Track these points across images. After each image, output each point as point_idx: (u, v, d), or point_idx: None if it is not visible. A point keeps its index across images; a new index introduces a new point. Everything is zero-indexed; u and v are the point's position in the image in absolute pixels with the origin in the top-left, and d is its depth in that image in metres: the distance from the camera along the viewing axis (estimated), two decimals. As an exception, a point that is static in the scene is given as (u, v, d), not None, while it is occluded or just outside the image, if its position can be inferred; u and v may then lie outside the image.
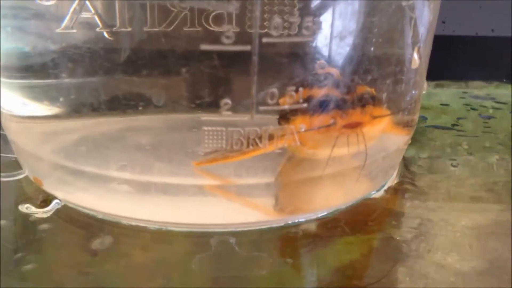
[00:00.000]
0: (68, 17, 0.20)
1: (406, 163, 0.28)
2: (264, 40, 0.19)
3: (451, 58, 0.40)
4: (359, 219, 0.23)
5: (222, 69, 0.19)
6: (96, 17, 0.19)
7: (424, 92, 0.27)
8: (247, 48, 0.19)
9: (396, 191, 0.25)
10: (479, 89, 0.40)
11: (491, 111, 0.36)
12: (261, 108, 0.20)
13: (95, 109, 0.21)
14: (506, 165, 0.28)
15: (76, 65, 0.20)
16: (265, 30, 0.19)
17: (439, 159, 0.29)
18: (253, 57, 0.19)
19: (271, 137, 0.20)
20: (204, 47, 0.19)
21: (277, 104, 0.20)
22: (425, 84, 0.27)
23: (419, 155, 0.29)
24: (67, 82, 0.21)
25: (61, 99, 0.21)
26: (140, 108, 0.20)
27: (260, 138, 0.20)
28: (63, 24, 0.20)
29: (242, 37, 0.19)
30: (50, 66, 0.21)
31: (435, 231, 0.22)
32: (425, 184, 0.26)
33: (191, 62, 0.19)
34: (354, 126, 0.21)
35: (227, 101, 0.19)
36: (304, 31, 0.19)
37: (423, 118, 0.34)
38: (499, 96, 0.39)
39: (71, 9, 0.19)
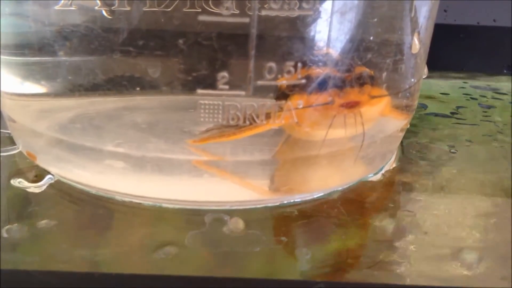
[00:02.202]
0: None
1: (404, 149, 0.27)
2: (263, 12, 0.18)
3: (452, 47, 0.39)
4: (356, 201, 0.23)
5: (220, 42, 0.19)
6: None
7: (424, 76, 0.27)
8: (246, 20, 0.18)
9: (394, 175, 0.25)
10: (479, 79, 0.40)
11: (490, 101, 0.36)
12: (259, 83, 0.19)
13: (92, 88, 0.21)
14: (505, 153, 0.28)
15: (73, 44, 0.20)
16: (265, 3, 0.18)
17: (438, 145, 0.28)
18: (251, 30, 0.19)
19: (268, 114, 0.20)
20: (202, 18, 0.18)
21: (275, 79, 0.20)
22: (425, 68, 0.27)
23: (418, 141, 0.29)
24: (64, 61, 0.21)
25: (58, 77, 0.21)
26: (138, 87, 0.20)
27: (257, 114, 0.20)
28: (61, 2, 0.20)
29: (241, 9, 0.18)
30: (48, 44, 0.21)
31: (431, 215, 0.22)
32: (423, 170, 0.26)
33: (188, 35, 0.19)
34: (352, 105, 0.21)
35: (224, 74, 0.19)
36: (304, 4, 0.19)
37: (422, 106, 0.34)
38: (499, 86, 0.38)
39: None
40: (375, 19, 0.21)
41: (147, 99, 0.21)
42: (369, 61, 0.22)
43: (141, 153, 0.21)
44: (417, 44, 0.24)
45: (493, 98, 0.36)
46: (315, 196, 0.23)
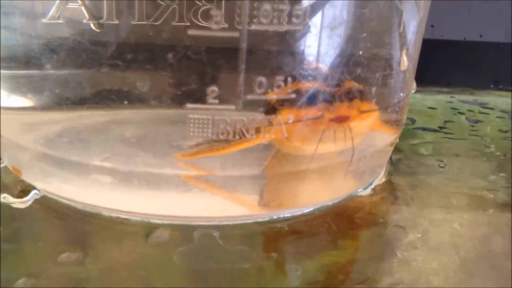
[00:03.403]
0: (54, 8, 0.19)
1: (393, 163, 0.27)
2: (253, 26, 0.18)
3: (439, 62, 0.40)
4: (346, 217, 0.23)
5: (209, 56, 0.19)
6: (83, 8, 0.19)
7: (413, 91, 0.27)
8: (235, 34, 0.18)
9: (383, 189, 0.25)
10: (466, 94, 0.40)
11: (478, 115, 0.36)
12: (249, 97, 0.19)
13: (80, 102, 0.21)
14: (492, 166, 0.28)
15: (60, 57, 0.20)
16: (254, 17, 0.18)
17: (426, 160, 0.28)
18: (241, 44, 0.18)
19: (258, 128, 0.20)
20: (192, 32, 0.18)
21: (265, 93, 0.19)
22: (414, 83, 0.27)
23: (407, 155, 0.29)
24: (52, 74, 0.20)
25: (45, 90, 0.21)
26: (126, 101, 0.20)
27: (246, 128, 0.20)
28: (49, 15, 0.19)
29: (230, 23, 0.18)
30: (34, 58, 0.20)
31: (422, 230, 0.22)
32: (412, 184, 0.26)
33: (178, 49, 0.19)
34: (342, 120, 0.21)
35: (214, 88, 0.19)
36: (294, 19, 0.19)
37: (411, 121, 0.34)
38: (486, 101, 0.39)
39: (58, -1, 0.19)
40: (365, 34, 0.21)
41: (135, 112, 0.21)
42: (358, 76, 0.22)
43: (128, 167, 0.21)
44: (405, 59, 0.24)
45: (480, 113, 0.36)
46: (305, 211, 0.22)
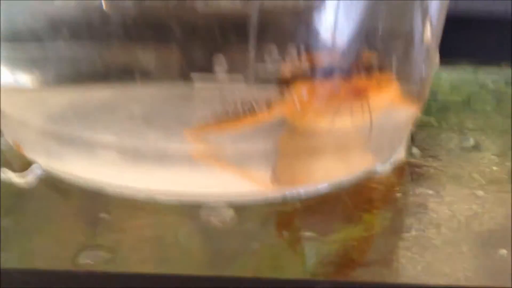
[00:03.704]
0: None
1: (414, 140, 0.26)
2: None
3: (464, 37, 0.38)
4: (362, 195, 0.22)
5: (219, 27, 0.18)
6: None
7: (435, 67, 0.26)
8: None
9: (403, 166, 0.24)
10: (492, 71, 0.38)
11: (503, 92, 0.34)
12: (260, 68, 0.18)
13: (85, 78, 0.20)
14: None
15: (64, 33, 0.20)
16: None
17: (448, 137, 0.27)
18: (252, 13, 0.17)
19: (269, 102, 0.19)
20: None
21: (277, 64, 0.18)
22: (437, 58, 0.26)
23: (428, 133, 0.27)
24: (56, 50, 0.20)
25: (50, 68, 0.21)
26: (132, 76, 0.20)
27: (257, 101, 0.19)
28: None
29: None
30: (38, 34, 0.20)
31: (439, 211, 0.21)
32: (433, 162, 0.24)
33: (185, 19, 0.18)
34: (359, 92, 0.20)
35: (221, 58, 0.18)
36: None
37: (433, 97, 0.32)
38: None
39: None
40: (384, 6, 0.20)
41: (143, 88, 0.20)
42: (377, 48, 0.21)
43: (134, 143, 0.20)
44: (428, 32, 0.22)
45: (506, 89, 0.35)
46: (320, 189, 0.21)
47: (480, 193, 0.22)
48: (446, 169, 0.24)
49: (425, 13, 0.22)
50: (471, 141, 0.27)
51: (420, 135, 0.27)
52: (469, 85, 0.35)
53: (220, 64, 0.18)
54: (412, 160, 0.25)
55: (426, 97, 0.25)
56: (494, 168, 0.24)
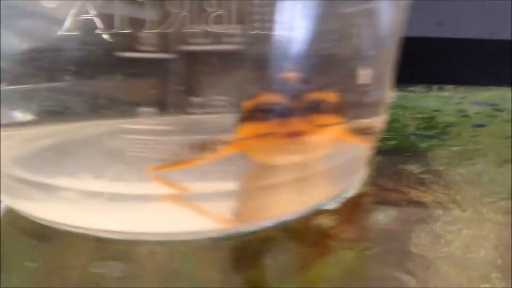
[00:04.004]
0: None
1: (372, 171, 0.26)
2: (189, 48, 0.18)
3: (448, 61, 0.38)
4: (313, 230, 0.22)
5: (155, 74, 0.19)
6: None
7: (390, 100, 0.26)
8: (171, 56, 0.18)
9: (357, 200, 0.24)
10: (475, 95, 0.38)
11: (484, 118, 0.34)
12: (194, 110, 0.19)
13: (41, 118, 0.21)
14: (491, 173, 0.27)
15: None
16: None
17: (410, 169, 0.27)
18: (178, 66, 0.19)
19: (204, 147, 0.20)
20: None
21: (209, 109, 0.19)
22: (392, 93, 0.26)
23: (391, 164, 0.28)
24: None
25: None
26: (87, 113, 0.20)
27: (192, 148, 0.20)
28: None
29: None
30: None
31: (396, 244, 0.21)
32: (390, 195, 0.25)
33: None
34: (295, 135, 0.21)
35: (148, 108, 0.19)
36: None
37: (405, 125, 0.32)
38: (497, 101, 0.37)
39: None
40: (321, 45, 0.21)
41: (99, 124, 0.21)
42: (318, 87, 0.21)
43: (93, 183, 0.21)
44: (366, 74, 0.23)
45: (489, 115, 0.35)
46: (271, 224, 0.22)
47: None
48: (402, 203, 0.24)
49: (361, 55, 0.22)
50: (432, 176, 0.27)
51: (381, 168, 0.27)
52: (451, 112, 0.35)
53: (151, 111, 0.19)
54: (369, 193, 0.25)
55: (379, 130, 0.25)
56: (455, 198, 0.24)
